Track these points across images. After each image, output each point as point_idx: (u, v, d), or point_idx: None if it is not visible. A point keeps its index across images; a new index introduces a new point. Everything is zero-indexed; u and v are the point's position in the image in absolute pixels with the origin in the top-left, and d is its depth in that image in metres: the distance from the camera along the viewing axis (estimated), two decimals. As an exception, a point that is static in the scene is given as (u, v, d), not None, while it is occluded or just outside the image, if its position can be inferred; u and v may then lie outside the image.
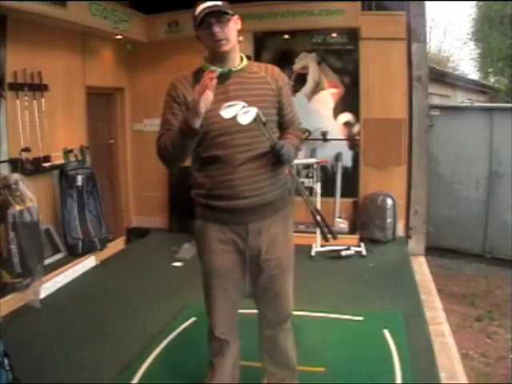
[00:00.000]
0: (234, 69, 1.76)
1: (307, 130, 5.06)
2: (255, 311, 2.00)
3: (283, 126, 1.88)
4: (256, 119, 1.65)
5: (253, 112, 1.63)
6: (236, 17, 1.75)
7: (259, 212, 1.78)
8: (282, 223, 1.87)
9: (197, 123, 1.56)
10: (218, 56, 1.74)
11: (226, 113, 1.59)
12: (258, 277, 1.88)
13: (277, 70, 1.88)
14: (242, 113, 1.61)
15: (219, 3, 1.68)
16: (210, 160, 1.74)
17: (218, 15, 1.67)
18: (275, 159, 1.73)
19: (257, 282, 1.90)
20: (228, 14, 1.69)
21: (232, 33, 1.72)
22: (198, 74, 1.76)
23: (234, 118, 1.61)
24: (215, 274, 1.84)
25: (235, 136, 1.71)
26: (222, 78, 1.73)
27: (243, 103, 1.62)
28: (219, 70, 1.72)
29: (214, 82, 1.52)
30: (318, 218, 1.83)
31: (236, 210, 1.76)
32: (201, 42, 1.76)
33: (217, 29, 1.67)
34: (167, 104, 1.77)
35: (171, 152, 1.67)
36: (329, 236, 1.83)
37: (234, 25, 1.74)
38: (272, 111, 1.80)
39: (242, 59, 1.81)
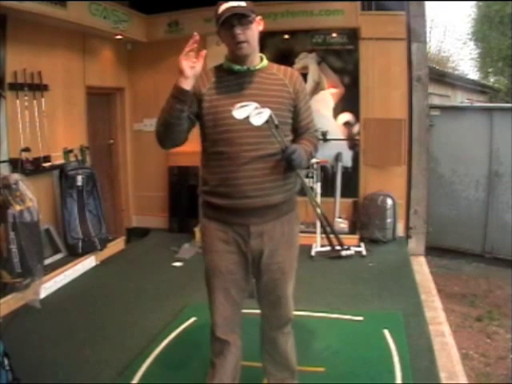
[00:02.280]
0: (252, 68, 1.76)
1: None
2: (257, 311, 2.00)
3: (298, 131, 1.87)
4: (268, 121, 1.64)
5: (266, 113, 1.61)
6: (259, 18, 1.74)
7: (262, 214, 1.77)
8: (286, 227, 1.85)
9: (184, 83, 1.59)
10: (237, 56, 1.74)
11: (239, 113, 1.58)
12: (260, 280, 1.87)
13: (296, 73, 1.87)
14: (254, 114, 1.60)
15: (243, 4, 1.67)
16: (216, 156, 1.74)
17: (240, 17, 1.66)
18: (286, 163, 1.70)
19: (258, 284, 1.90)
20: (251, 16, 1.68)
21: (254, 35, 1.72)
22: (217, 70, 1.79)
23: (247, 118, 1.60)
24: (217, 274, 1.83)
25: (243, 134, 1.70)
26: (239, 76, 1.74)
27: (256, 104, 1.61)
28: (237, 67, 1.74)
29: (195, 45, 1.57)
30: (325, 224, 1.83)
31: (238, 209, 1.75)
32: (221, 39, 1.76)
33: (238, 31, 1.66)
34: None
35: (162, 121, 1.68)
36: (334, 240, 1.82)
37: (256, 26, 1.73)
38: (286, 114, 1.79)
39: (261, 59, 1.81)
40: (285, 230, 1.84)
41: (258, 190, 1.74)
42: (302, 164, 1.73)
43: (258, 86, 1.75)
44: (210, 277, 1.86)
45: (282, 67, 1.86)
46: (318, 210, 1.84)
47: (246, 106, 1.60)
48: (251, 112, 1.60)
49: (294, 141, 1.84)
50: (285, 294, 1.91)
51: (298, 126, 1.86)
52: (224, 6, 1.66)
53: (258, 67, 1.77)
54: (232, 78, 1.75)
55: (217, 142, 1.73)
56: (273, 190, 1.76)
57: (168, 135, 1.72)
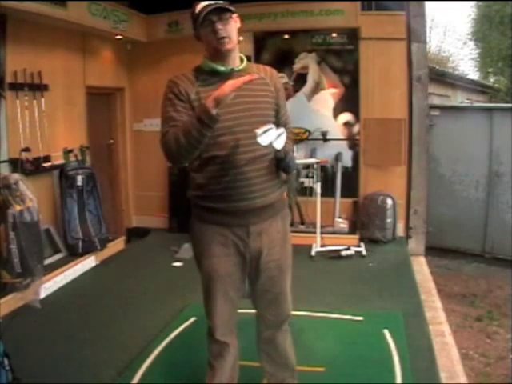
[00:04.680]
0: (236, 68, 1.75)
1: (307, 130, 5.06)
2: (254, 311, 2.00)
3: (279, 126, 1.87)
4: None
5: (284, 135, 1.64)
6: (236, 15, 1.74)
7: (260, 214, 1.77)
8: (280, 224, 1.86)
9: (214, 110, 1.51)
10: (219, 55, 1.72)
11: (263, 139, 1.58)
12: (257, 278, 1.87)
13: (274, 72, 1.88)
14: (275, 137, 1.61)
15: (220, 2, 1.67)
16: (212, 160, 1.71)
17: (220, 12, 1.66)
18: (282, 170, 1.77)
19: (256, 283, 1.89)
20: (230, 11, 1.68)
21: (234, 31, 1.72)
22: (197, 72, 1.75)
23: (270, 143, 1.62)
24: (217, 278, 1.81)
25: (239, 136, 1.69)
26: (224, 77, 1.72)
27: (273, 125, 1.62)
28: (222, 68, 1.73)
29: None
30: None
31: (238, 211, 1.74)
32: (200, 41, 1.74)
33: (219, 26, 1.65)
34: (170, 101, 1.71)
35: (183, 144, 1.57)
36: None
37: (235, 23, 1.74)
38: (271, 112, 1.81)
39: (241, 60, 1.80)
40: (280, 228, 1.86)
41: (257, 191, 1.74)
42: (295, 167, 1.82)
43: (245, 86, 1.74)
44: (209, 281, 1.84)
45: (261, 66, 1.87)
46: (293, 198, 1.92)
47: (267, 130, 1.59)
48: (273, 138, 1.61)
49: None
50: (283, 290, 1.92)
51: (279, 121, 1.87)
52: (201, 5, 1.66)
53: (241, 67, 1.77)
54: (216, 79, 1.71)
55: (212, 146, 1.68)
56: (269, 190, 1.78)
57: (188, 156, 1.65)
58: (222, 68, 1.73)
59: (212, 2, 1.66)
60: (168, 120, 1.68)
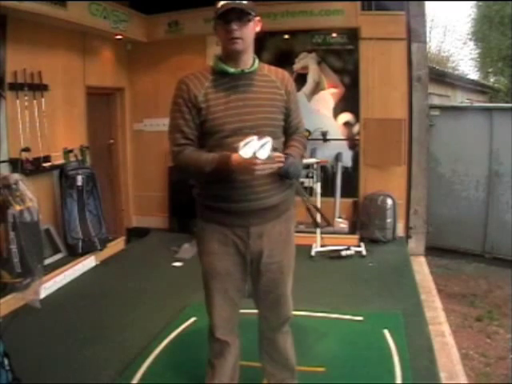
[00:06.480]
0: (246, 70, 1.75)
1: (307, 130, 5.06)
2: (255, 311, 2.00)
3: (289, 130, 1.87)
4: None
5: (268, 144, 1.62)
6: (257, 19, 1.73)
7: (262, 215, 1.77)
8: (284, 226, 1.86)
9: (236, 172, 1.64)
10: (231, 54, 1.72)
11: (245, 152, 1.58)
12: (259, 280, 1.87)
13: (287, 75, 1.87)
14: (258, 148, 1.59)
15: (244, 2, 1.65)
16: None
17: (239, 13, 1.64)
18: (283, 176, 1.74)
19: (257, 284, 1.89)
20: (250, 14, 1.67)
21: (250, 34, 1.71)
22: (208, 72, 1.75)
23: (254, 155, 1.60)
24: (216, 276, 1.83)
25: (242, 138, 1.67)
26: (234, 79, 1.73)
27: (255, 136, 1.60)
28: (231, 70, 1.72)
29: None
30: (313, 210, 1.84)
31: (239, 212, 1.74)
32: (217, 35, 1.74)
33: (235, 27, 1.64)
34: (177, 106, 1.74)
35: (192, 171, 1.75)
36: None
37: (254, 27, 1.73)
38: (279, 116, 1.80)
39: (254, 60, 1.79)
40: (282, 229, 1.85)
41: (259, 192, 1.74)
42: (298, 173, 1.78)
43: (253, 89, 1.75)
44: (208, 279, 1.86)
45: (273, 68, 1.86)
46: (307, 201, 1.86)
47: (249, 142, 1.59)
48: (256, 147, 1.59)
49: (285, 141, 1.85)
50: (284, 292, 1.92)
51: (289, 126, 1.86)
52: (223, 1, 1.65)
53: (251, 69, 1.76)
54: (226, 80, 1.73)
55: (216, 147, 1.70)
56: (271, 192, 1.77)
57: (195, 178, 1.85)
58: (231, 69, 1.73)
59: (235, 1, 1.64)
60: (176, 128, 1.75)
